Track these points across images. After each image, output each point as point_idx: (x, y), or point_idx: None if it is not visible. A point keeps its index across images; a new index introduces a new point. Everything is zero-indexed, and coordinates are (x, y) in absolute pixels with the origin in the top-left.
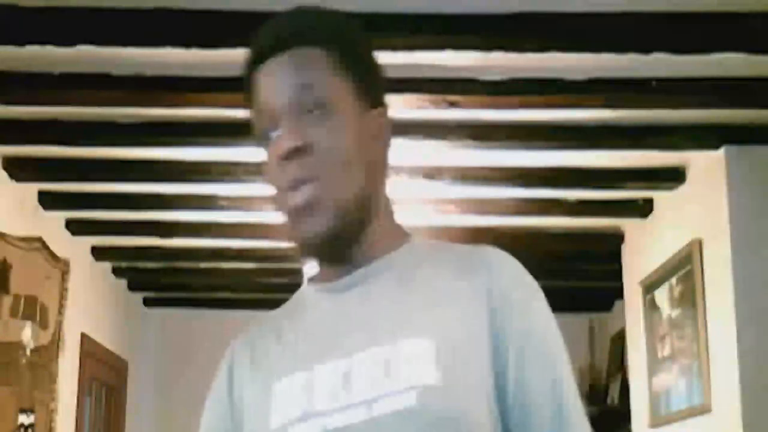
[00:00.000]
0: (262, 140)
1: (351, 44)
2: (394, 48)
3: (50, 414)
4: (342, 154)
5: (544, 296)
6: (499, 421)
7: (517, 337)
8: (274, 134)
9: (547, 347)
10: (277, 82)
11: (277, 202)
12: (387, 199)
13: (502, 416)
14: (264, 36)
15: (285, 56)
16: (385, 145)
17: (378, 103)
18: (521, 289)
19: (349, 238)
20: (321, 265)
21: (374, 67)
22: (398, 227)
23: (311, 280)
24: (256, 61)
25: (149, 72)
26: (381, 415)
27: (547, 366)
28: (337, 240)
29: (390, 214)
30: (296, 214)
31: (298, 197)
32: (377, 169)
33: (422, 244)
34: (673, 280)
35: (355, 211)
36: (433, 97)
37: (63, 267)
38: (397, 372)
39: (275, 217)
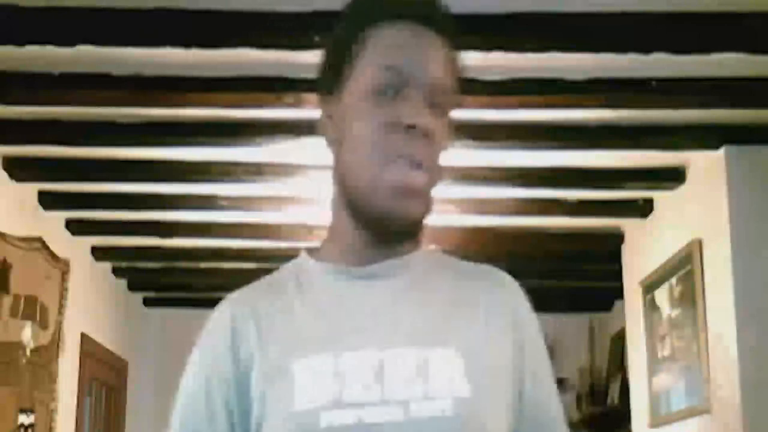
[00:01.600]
0: (372, 93)
1: (458, 47)
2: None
3: (50, 414)
4: (442, 155)
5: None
6: None
7: (532, 360)
8: (393, 96)
9: (548, 368)
10: (419, 52)
11: (360, 164)
12: None
13: (515, 427)
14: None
15: (416, 27)
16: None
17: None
18: (534, 325)
19: (419, 229)
20: (355, 244)
21: (462, 70)
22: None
23: (317, 256)
24: (378, 14)
25: (149, 72)
26: (418, 417)
27: (551, 386)
28: (417, 228)
29: None
30: (395, 191)
31: (417, 178)
32: None
33: (435, 252)
34: (673, 280)
35: (432, 207)
36: None
37: (63, 267)
38: (432, 379)
39: (275, 217)
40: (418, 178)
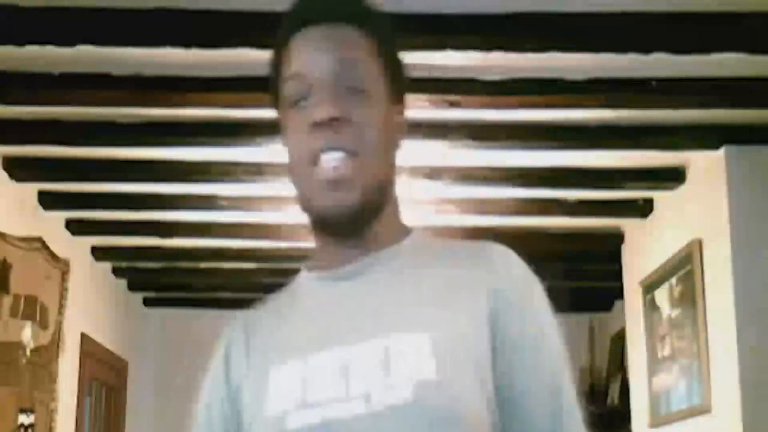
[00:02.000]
0: (289, 106)
1: (387, 32)
2: (395, 49)
3: (50, 414)
4: (376, 135)
5: (544, 293)
6: (499, 422)
7: (517, 341)
8: (305, 102)
9: (546, 353)
10: (318, 52)
11: (297, 172)
12: (396, 196)
13: (501, 418)
14: (307, 2)
15: (327, 28)
16: (401, 142)
17: (400, 100)
18: (522, 289)
19: (368, 219)
20: (325, 248)
21: (401, 61)
22: (401, 222)
23: (309, 266)
24: (294, 26)
25: (149, 72)
26: (379, 408)
27: (546, 372)
28: (358, 218)
29: (397, 209)
30: (324, 185)
31: (331, 169)
32: (394, 161)
33: (424, 238)
34: (673, 280)
35: (378, 194)
36: (433, 97)
37: (63, 267)
38: (395, 365)
39: (275, 217)
40: (331, 167)
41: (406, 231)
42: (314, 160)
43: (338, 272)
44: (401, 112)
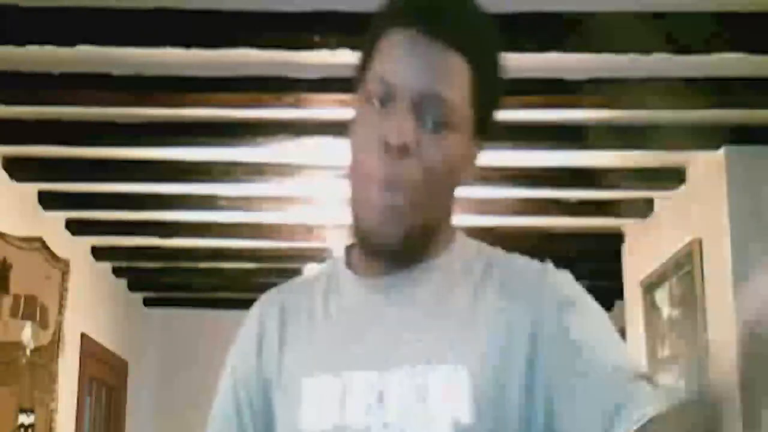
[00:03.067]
0: (367, 100)
1: (494, 70)
2: (492, 86)
3: (50, 414)
4: (438, 175)
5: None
6: None
7: (563, 371)
8: (384, 107)
9: (594, 374)
10: (412, 67)
11: (355, 180)
12: (451, 223)
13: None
14: (424, 2)
15: (429, 41)
16: (468, 178)
17: (483, 138)
18: (562, 301)
19: (410, 253)
20: (362, 253)
21: (499, 101)
22: (451, 231)
23: (349, 262)
24: (398, 17)
25: (149, 72)
26: None
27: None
28: (400, 249)
29: (450, 231)
30: (374, 210)
31: (384, 197)
32: (454, 198)
33: (468, 248)
34: (673, 280)
35: (426, 229)
36: None
37: (63, 267)
38: (433, 403)
39: (275, 217)
40: (392, 199)
41: (450, 237)
42: (367, 181)
43: (376, 282)
44: (479, 147)
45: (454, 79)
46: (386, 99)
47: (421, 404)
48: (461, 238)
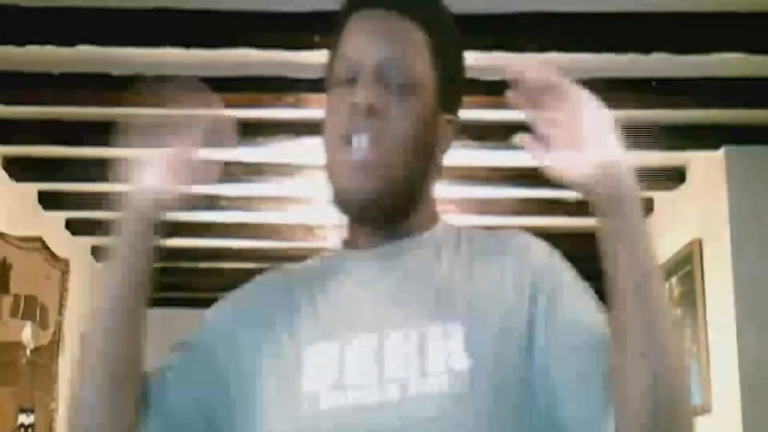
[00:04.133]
0: (334, 85)
1: (447, 31)
2: (452, 51)
3: (50, 414)
4: (407, 135)
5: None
6: (543, 404)
7: (548, 309)
8: (350, 86)
9: (575, 307)
10: (370, 39)
11: (329, 151)
12: (433, 200)
13: (546, 400)
14: None
15: (385, 14)
16: (443, 151)
17: (450, 110)
18: (551, 266)
19: (390, 212)
20: (352, 228)
21: (460, 71)
22: (435, 216)
23: (344, 242)
24: (353, 4)
25: (149, 72)
26: (413, 396)
27: (580, 317)
28: (377, 208)
29: (433, 207)
30: (349, 168)
31: (355, 152)
32: (429, 166)
33: (454, 226)
34: (673, 280)
35: (401, 190)
36: None
37: (63, 267)
38: (430, 354)
39: (275, 217)
40: (364, 153)
41: (436, 218)
42: (345, 141)
43: (371, 252)
44: (453, 115)
45: (413, 44)
46: (352, 76)
47: (417, 359)
48: (444, 221)
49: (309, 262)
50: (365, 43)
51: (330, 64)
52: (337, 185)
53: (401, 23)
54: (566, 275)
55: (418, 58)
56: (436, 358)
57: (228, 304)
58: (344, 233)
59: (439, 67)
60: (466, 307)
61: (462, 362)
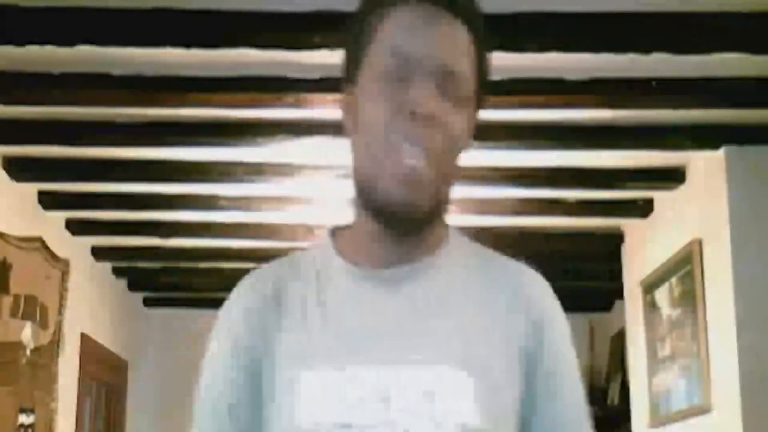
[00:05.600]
0: (380, 78)
1: (486, 38)
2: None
3: (50, 414)
4: (458, 147)
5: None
6: None
7: (547, 377)
8: (403, 83)
9: (570, 389)
10: (429, 37)
11: (370, 149)
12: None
13: None
14: None
15: (435, 11)
16: (471, 143)
17: (482, 103)
18: (555, 323)
19: (429, 222)
20: (372, 236)
21: (490, 64)
22: (445, 222)
23: (344, 249)
24: None
25: (149, 72)
26: None
27: (572, 395)
28: (425, 220)
29: (445, 219)
30: (400, 179)
31: (419, 166)
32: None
33: (463, 245)
34: (673, 280)
35: (442, 200)
36: None
37: (63, 267)
38: (439, 404)
39: (275, 217)
40: (420, 165)
41: (447, 233)
42: (391, 148)
43: (381, 274)
44: (479, 115)
45: (466, 51)
46: (403, 72)
47: (427, 405)
48: (455, 234)
49: (298, 261)
50: (422, 40)
51: (360, 53)
52: (381, 195)
53: (453, 24)
54: (566, 348)
55: (470, 66)
56: (446, 409)
57: (226, 351)
58: (353, 236)
59: (480, 71)
60: (477, 351)
61: (474, 419)
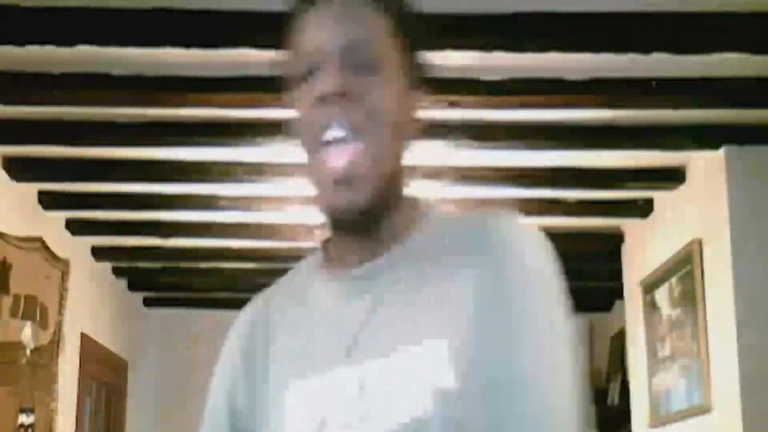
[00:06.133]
0: (296, 84)
1: (405, 10)
2: (413, 33)
3: (50, 414)
4: (388, 114)
5: (552, 278)
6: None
7: (495, 313)
8: (312, 77)
9: (527, 323)
10: (328, 28)
11: (307, 156)
12: (407, 183)
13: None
14: None
15: (340, 4)
16: (416, 131)
17: (417, 84)
18: (521, 270)
19: (380, 213)
20: (338, 241)
21: (421, 45)
22: (413, 203)
23: (320, 259)
24: (306, 2)
25: (149, 72)
26: (401, 423)
27: (524, 341)
28: (369, 215)
29: (408, 197)
30: (332, 182)
31: (340, 164)
32: (407, 148)
33: (435, 222)
34: (673, 280)
35: (390, 186)
36: (433, 97)
37: (63, 267)
38: (413, 376)
39: (275, 217)
40: (343, 164)
41: (418, 214)
42: (315, 144)
43: (352, 274)
44: (418, 99)
45: (372, 25)
46: (313, 69)
47: (400, 382)
48: (425, 206)
49: (292, 276)
50: (323, 32)
51: (287, 68)
52: (320, 198)
53: (358, 8)
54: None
55: (380, 38)
56: (420, 378)
57: (224, 379)
58: (327, 245)
59: (403, 47)
60: (445, 326)
61: (448, 378)
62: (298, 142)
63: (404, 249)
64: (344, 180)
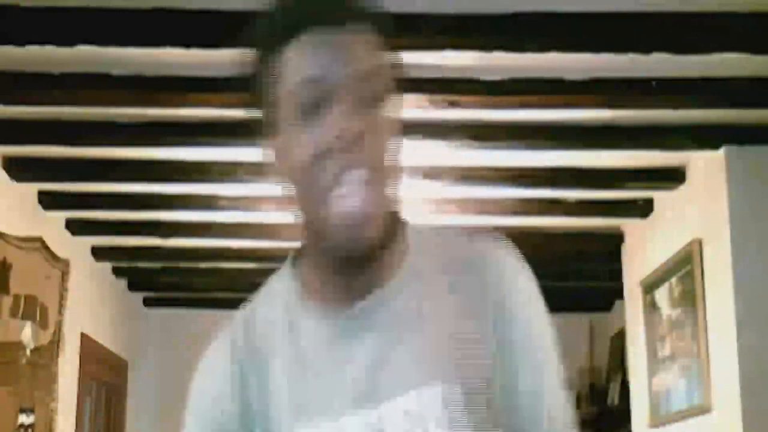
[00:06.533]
0: (297, 113)
1: (387, 26)
2: (395, 48)
3: (50, 414)
4: (394, 146)
5: (540, 298)
6: None
7: (514, 359)
8: (321, 111)
9: (538, 359)
10: (334, 56)
11: (306, 202)
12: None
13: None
14: (303, 2)
15: (335, 29)
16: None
17: (400, 97)
18: (522, 304)
19: (383, 247)
20: (326, 275)
21: (398, 53)
22: (402, 232)
23: (306, 290)
24: (291, 25)
25: (149, 72)
26: None
27: (542, 377)
28: (372, 250)
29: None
30: (342, 223)
31: (353, 203)
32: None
33: (426, 248)
34: (673, 280)
35: (394, 219)
36: (433, 97)
37: (63, 267)
38: (428, 417)
39: (275, 217)
40: (358, 206)
41: (405, 240)
42: (327, 190)
43: (346, 313)
44: (399, 107)
45: (374, 52)
46: (319, 97)
47: (417, 424)
48: (413, 235)
49: (265, 301)
50: (330, 61)
51: (271, 95)
52: (327, 237)
53: (353, 34)
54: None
55: (381, 62)
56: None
57: (208, 394)
58: (297, 268)
59: (389, 60)
60: (448, 369)
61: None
62: (290, 187)
63: (399, 282)
64: (362, 222)
